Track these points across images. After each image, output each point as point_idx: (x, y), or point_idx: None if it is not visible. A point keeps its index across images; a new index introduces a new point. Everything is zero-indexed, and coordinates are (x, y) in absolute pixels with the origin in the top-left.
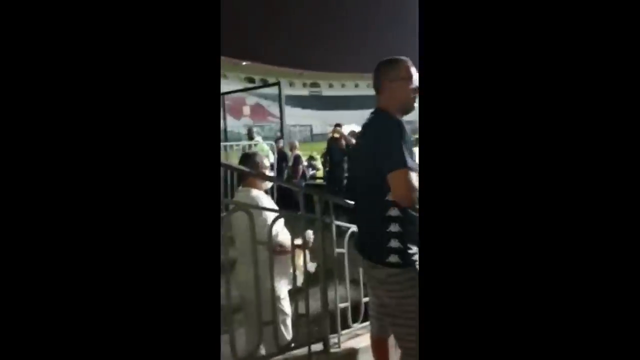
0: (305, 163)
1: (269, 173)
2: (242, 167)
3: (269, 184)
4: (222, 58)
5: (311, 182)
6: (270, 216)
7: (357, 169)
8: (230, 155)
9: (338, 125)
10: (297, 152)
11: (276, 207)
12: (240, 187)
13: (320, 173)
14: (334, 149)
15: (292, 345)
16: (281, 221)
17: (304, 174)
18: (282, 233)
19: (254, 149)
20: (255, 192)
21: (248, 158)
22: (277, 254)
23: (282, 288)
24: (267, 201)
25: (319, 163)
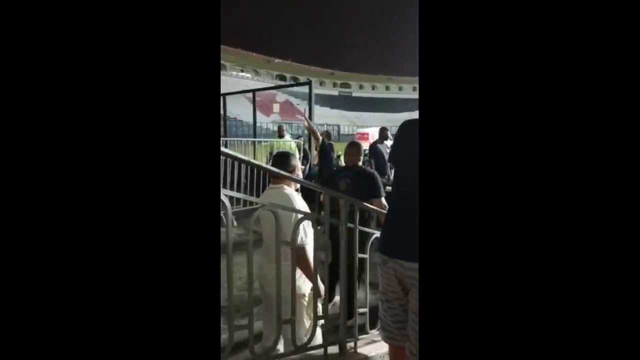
0: None
1: (299, 173)
2: (274, 169)
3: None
4: (255, 55)
5: None
6: (297, 216)
7: (398, 169)
8: (259, 151)
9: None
10: None
11: (306, 207)
12: (270, 184)
13: None
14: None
15: (308, 345)
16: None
17: None
18: (305, 235)
19: (282, 148)
20: (287, 190)
21: (282, 158)
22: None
23: (305, 287)
24: (299, 199)
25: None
